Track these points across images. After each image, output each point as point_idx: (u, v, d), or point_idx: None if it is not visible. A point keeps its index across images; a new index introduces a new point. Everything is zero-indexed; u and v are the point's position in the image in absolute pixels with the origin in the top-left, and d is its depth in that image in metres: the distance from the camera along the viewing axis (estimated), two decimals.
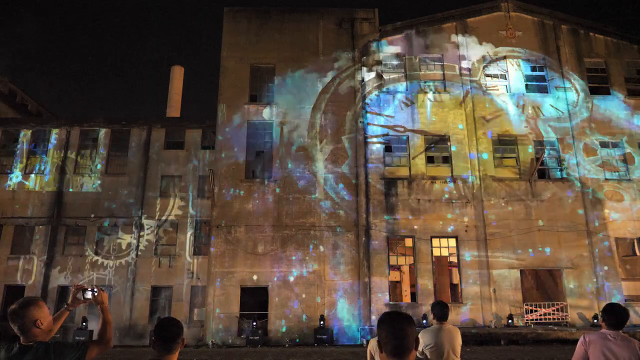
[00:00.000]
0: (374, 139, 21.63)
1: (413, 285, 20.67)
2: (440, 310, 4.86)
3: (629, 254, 20.53)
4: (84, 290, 3.14)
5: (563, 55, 23.19)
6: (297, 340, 18.80)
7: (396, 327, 2.19)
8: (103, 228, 22.40)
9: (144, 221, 22.43)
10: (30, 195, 22.89)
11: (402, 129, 21.82)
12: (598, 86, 22.99)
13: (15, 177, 23.21)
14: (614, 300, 18.63)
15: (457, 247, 20.31)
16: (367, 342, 18.53)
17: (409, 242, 20.54)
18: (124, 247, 22.14)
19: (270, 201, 20.63)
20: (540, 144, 21.76)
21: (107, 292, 21.02)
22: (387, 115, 21.94)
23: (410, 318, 2.26)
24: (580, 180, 21.23)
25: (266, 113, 21.95)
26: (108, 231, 22.43)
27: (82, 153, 23.75)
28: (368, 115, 21.92)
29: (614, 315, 3.98)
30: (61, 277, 21.75)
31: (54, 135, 23.87)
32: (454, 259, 20.47)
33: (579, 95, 22.62)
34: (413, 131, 21.78)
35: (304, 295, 19.46)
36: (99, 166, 23.39)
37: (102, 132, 23.94)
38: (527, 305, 19.60)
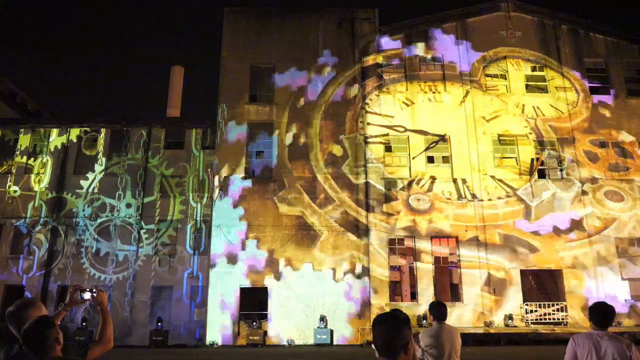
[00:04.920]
0: (374, 139, 21.63)
1: (413, 285, 20.65)
2: (439, 311, 4.86)
3: (630, 253, 20.51)
4: (83, 290, 3.12)
5: (563, 55, 23.17)
6: (297, 340, 18.80)
7: (389, 328, 2.21)
8: (103, 228, 22.38)
9: (144, 221, 22.42)
10: (30, 195, 22.88)
11: (402, 129, 21.82)
12: (598, 86, 22.98)
13: (15, 177, 23.19)
14: (614, 301, 18.63)
15: (457, 247, 20.31)
16: (367, 342, 18.52)
17: (409, 242, 20.54)
18: (124, 247, 22.12)
19: (270, 201, 20.63)
20: (540, 144, 21.75)
21: (107, 291, 21.08)
22: (387, 115, 21.93)
23: (405, 320, 2.25)
24: (580, 180, 21.22)
25: (266, 113, 21.94)
26: (108, 231, 22.42)
27: (81, 153, 23.73)
28: (368, 115, 21.91)
29: (598, 313, 3.97)
30: (61, 276, 21.72)
31: (54, 135, 23.87)
32: (454, 259, 20.46)
33: (579, 95, 22.60)
34: (413, 131, 21.77)
35: (303, 295, 19.46)
36: (98, 166, 23.39)
37: (102, 132, 23.93)
38: (527, 305, 19.59)
